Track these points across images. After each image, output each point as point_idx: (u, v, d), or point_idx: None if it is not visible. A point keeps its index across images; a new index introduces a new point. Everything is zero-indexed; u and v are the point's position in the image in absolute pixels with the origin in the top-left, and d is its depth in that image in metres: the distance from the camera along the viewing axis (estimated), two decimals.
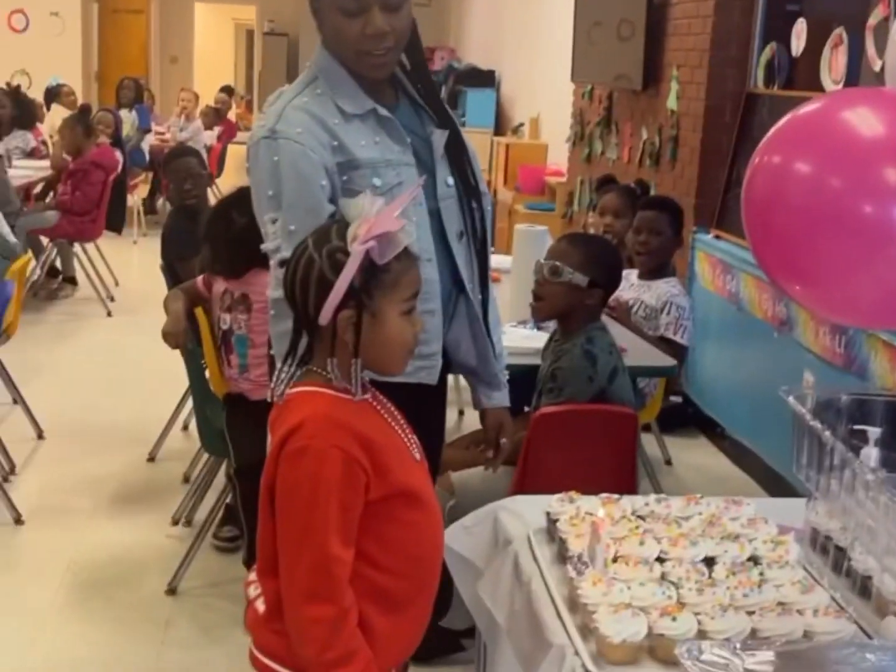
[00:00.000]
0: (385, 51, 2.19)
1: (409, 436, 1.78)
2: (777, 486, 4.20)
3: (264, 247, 2.19)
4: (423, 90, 2.34)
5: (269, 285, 2.21)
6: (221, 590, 3.47)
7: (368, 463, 1.63)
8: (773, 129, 1.61)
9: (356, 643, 1.63)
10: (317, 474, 1.59)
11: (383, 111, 2.22)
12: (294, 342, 1.71)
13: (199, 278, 3.52)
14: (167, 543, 3.78)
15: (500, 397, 2.49)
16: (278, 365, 1.74)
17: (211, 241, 3.38)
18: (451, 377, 2.60)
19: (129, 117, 10.11)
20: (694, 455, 5.02)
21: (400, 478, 1.68)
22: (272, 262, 2.18)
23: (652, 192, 5.68)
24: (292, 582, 1.62)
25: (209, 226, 3.40)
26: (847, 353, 3.92)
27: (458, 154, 2.33)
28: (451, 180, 2.32)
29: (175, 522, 3.90)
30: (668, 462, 4.83)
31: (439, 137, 2.29)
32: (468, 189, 2.34)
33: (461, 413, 5.28)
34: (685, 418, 5.32)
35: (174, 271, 4.35)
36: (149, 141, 10.16)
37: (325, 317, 1.64)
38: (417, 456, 1.77)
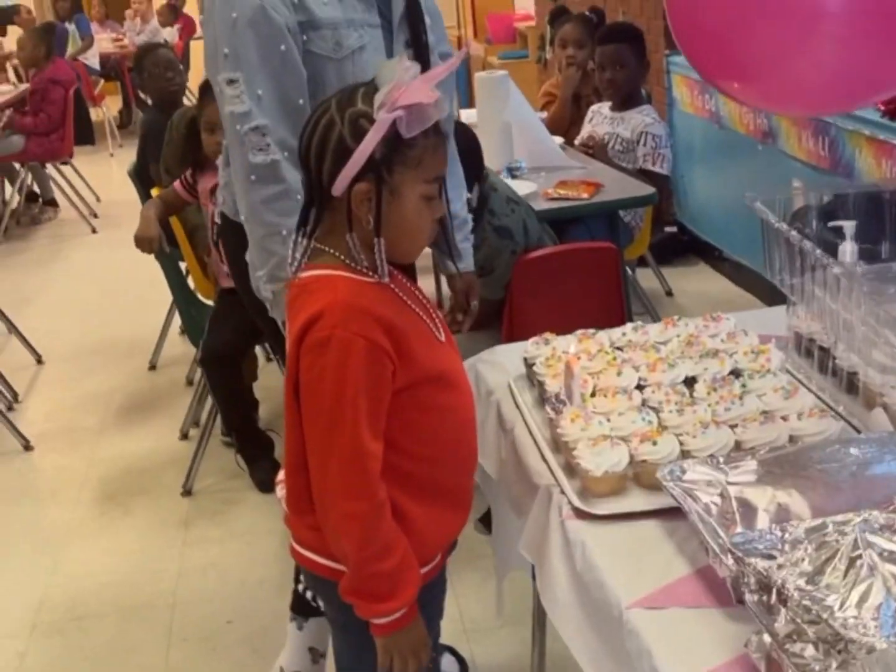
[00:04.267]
0: None
1: (433, 316, 1.67)
2: (782, 299, 4.14)
3: (229, 109, 2.03)
4: None
5: (242, 152, 2.03)
6: (234, 483, 3.49)
7: (394, 350, 1.52)
8: None
9: (393, 535, 1.56)
10: (342, 366, 1.48)
11: None
12: (305, 213, 1.59)
13: (177, 182, 3.47)
14: (178, 447, 3.79)
15: (464, 265, 2.42)
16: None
17: (196, 135, 3.36)
18: None
19: (68, 31, 9.75)
20: (694, 282, 4.96)
21: (426, 363, 1.58)
22: (240, 127, 2.02)
23: (617, 19, 5.49)
24: (325, 478, 1.54)
25: (192, 121, 3.40)
26: (832, 154, 3.81)
27: (414, 20, 2.16)
28: (405, 45, 2.16)
29: (184, 435, 3.88)
30: (669, 293, 4.78)
31: None
32: (419, 56, 2.14)
33: None
34: (682, 247, 5.25)
35: (145, 176, 4.25)
36: (97, 48, 9.84)
37: (339, 187, 1.50)
38: (442, 337, 1.66)
